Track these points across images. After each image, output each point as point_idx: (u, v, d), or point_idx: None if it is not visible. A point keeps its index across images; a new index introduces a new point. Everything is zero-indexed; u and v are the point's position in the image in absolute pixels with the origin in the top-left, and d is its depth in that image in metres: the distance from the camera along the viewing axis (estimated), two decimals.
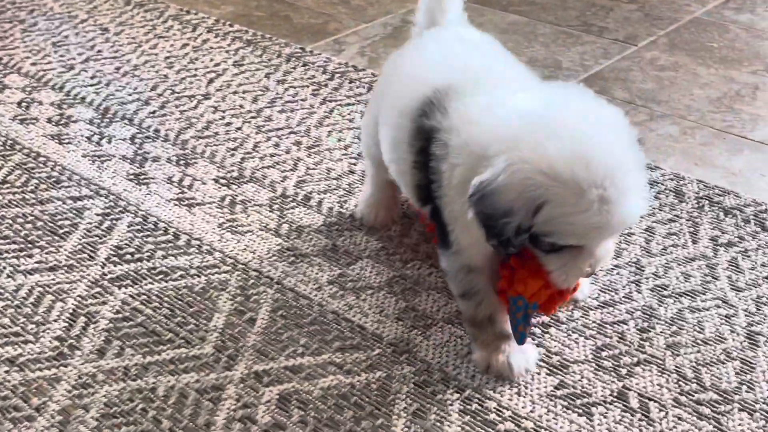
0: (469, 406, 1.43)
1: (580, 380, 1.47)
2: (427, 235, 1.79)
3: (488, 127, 1.30)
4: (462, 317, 1.53)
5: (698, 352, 1.52)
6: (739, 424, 1.38)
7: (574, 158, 1.20)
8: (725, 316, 1.60)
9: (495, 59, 1.52)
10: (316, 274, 1.72)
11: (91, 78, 2.48)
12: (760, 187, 1.98)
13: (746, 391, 1.44)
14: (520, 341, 1.45)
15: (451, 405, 1.43)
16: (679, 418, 1.40)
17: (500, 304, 1.47)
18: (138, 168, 2.06)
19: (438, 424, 1.40)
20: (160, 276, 1.71)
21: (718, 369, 1.48)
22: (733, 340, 1.54)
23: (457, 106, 1.37)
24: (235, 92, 2.39)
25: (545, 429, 1.39)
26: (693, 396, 1.43)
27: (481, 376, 1.48)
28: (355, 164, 2.06)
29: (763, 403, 1.42)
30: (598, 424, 1.39)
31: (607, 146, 1.23)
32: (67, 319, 1.60)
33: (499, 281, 1.45)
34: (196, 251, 1.78)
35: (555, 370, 1.49)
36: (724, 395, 1.44)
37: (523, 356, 1.48)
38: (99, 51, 2.63)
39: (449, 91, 1.40)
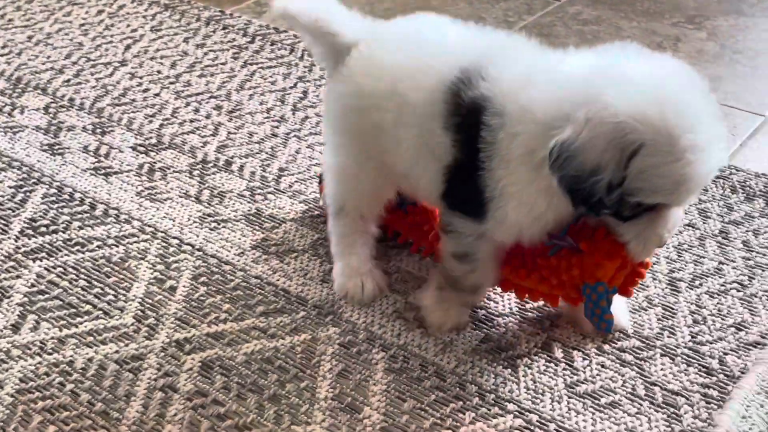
0: (394, 364, 1.42)
1: (504, 333, 1.47)
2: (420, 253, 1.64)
3: (553, 88, 1.20)
4: (443, 275, 1.45)
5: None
6: (661, 369, 1.40)
7: (663, 104, 1.13)
8: None
9: (494, 34, 1.40)
10: (239, 239, 1.69)
11: (2, 47, 2.38)
12: None
13: (668, 337, 1.46)
14: (608, 329, 1.40)
15: (376, 364, 1.42)
16: (603, 366, 1.40)
17: (494, 280, 1.44)
18: (52, 138, 1.99)
19: (363, 383, 1.39)
20: (77, 247, 1.66)
21: (640, 316, 1.50)
22: (655, 287, 1.56)
23: (502, 71, 1.27)
24: (152, 58, 2.33)
25: (470, 383, 1.38)
26: (616, 344, 1.44)
27: (407, 334, 1.47)
28: (277, 127, 2.02)
29: (684, 347, 1.44)
30: (523, 376, 1.40)
31: (690, 93, 1.17)
32: None
33: (565, 270, 1.36)
34: (114, 221, 1.73)
35: (480, 324, 1.49)
36: (646, 341, 1.45)
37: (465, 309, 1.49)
38: (10, 20, 2.54)
39: (481, 63, 1.29)
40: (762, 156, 1.92)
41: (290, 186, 1.83)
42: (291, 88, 2.18)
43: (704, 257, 1.62)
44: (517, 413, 1.33)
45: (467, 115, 1.28)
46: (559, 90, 1.20)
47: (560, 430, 1.31)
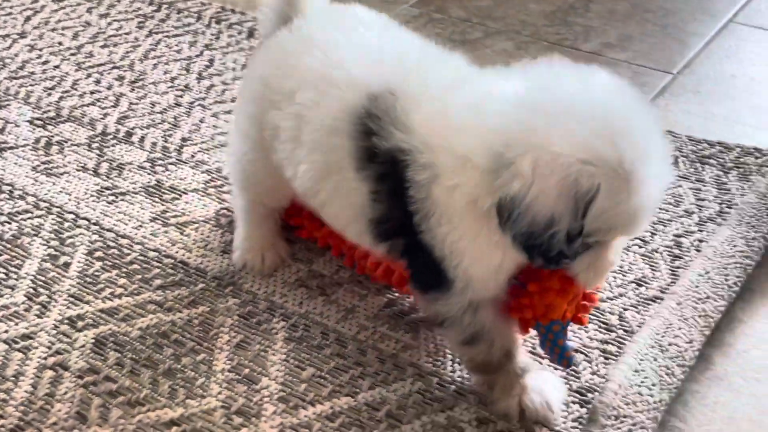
0: (295, 333, 1.39)
1: (407, 298, 1.45)
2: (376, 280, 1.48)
3: (487, 130, 1.08)
4: (468, 368, 1.29)
5: None
6: None
7: (614, 139, 1.02)
8: None
9: (417, 43, 1.28)
10: (138, 212, 1.64)
11: None
12: None
13: None
14: (569, 365, 1.24)
15: (276, 334, 1.39)
16: None
17: (515, 334, 1.26)
18: None
19: (262, 354, 1.36)
20: None
21: None
22: None
23: (415, 115, 1.14)
24: (54, 29, 2.25)
25: (371, 348, 1.36)
26: None
27: (309, 302, 1.45)
28: (181, 96, 1.97)
29: None
30: (424, 340, 1.38)
31: (636, 117, 1.07)
32: None
33: (516, 310, 1.24)
34: (7, 197, 1.67)
35: (383, 290, 1.47)
36: None
37: (545, 381, 1.25)
38: None
39: (392, 96, 1.16)
40: (670, 114, 1.92)
41: (192, 156, 1.78)
42: (197, 56, 2.13)
43: None
44: (417, 377, 1.32)
45: (387, 165, 1.16)
46: (494, 133, 1.07)
47: (460, 392, 1.29)
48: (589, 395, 1.27)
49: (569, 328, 1.24)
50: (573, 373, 1.31)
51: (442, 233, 1.13)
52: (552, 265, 1.11)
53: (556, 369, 1.30)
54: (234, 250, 1.52)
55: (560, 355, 1.22)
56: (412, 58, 1.23)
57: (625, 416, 1.16)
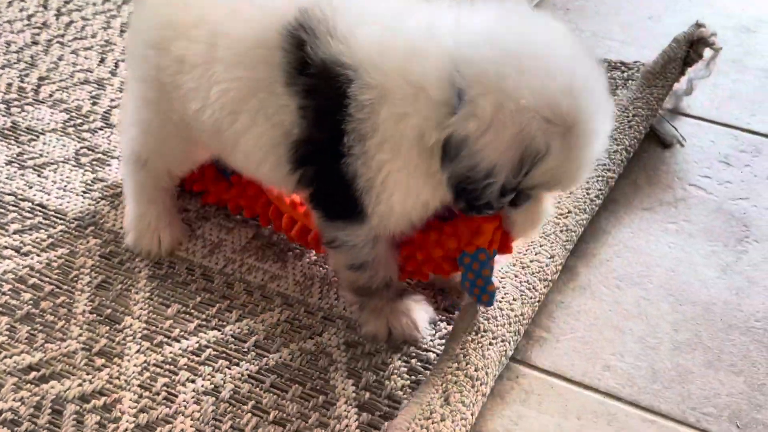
0: (159, 271, 1.36)
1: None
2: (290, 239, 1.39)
3: (449, 60, 1.01)
4: (345, 288, 1.26)
5: None
6: None
7: (577, 97, 1.00)
8: None
9: None
10: None
11: None
12: None
13: None
14: (490, 302, 1.17)
15: (139, 272, 1.36)
16: None
17: (396, 263, 1.22)
18: None
19: (125, 293, 1.32)
20: None
21: None
22: None
23: (357, 30, 1.07)
24: None
25: (239, 281, 1.34)
26: None
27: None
28: (38, 34, 1.88)
29: None
30: (292, 269, 1.36)
31: (594, 76, 1.04)
32: None
33: (436, 243, 1.18)
34: None
35: (251, 222, 1.44)
36: None
37: (414, 304, 1.25)
38: None
39: (329, 6, 1.09)
40: None
41: (51, 95, 1.70)
42: None
43: None
44: (285, 306, 1.30)
45: (321, 79, 1.08)
46: (451, 64, 1.01)
47: (328, 317, 1.29)
48: (456, 313, 1.28)
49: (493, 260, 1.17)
50: (440, 292, 1.31)
51: (379, 161, 1.07)
52: (473, 212, 1.07)
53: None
54: (126, 231, 1.39)
55: (483, 289, 1.16)
56: None
57: (485, 330, 1.17)
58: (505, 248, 1.19)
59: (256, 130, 1.16)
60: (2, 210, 1.45)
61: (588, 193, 1.41)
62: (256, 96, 1.14)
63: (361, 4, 1.12)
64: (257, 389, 1.19)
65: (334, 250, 1.21)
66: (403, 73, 1.04)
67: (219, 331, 1.27)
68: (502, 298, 1.22)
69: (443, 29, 1.05)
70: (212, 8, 1.17)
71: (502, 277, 1.25)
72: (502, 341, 1.18)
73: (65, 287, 1.33)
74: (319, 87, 1.08)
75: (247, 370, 1.22)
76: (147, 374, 1.21)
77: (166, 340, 1.25)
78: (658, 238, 1.43)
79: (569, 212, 1.37)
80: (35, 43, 1.85)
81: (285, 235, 1.38)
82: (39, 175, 1.52)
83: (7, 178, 1.51)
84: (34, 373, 1.21)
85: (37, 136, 1.61)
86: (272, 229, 1.41)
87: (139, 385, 1.19)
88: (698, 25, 1.66)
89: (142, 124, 1.32)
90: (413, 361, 1.22)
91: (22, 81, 1.74)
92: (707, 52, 1.65)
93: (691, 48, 1.64)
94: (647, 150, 1.59)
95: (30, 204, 1.46)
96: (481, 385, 1.13)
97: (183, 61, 1.19)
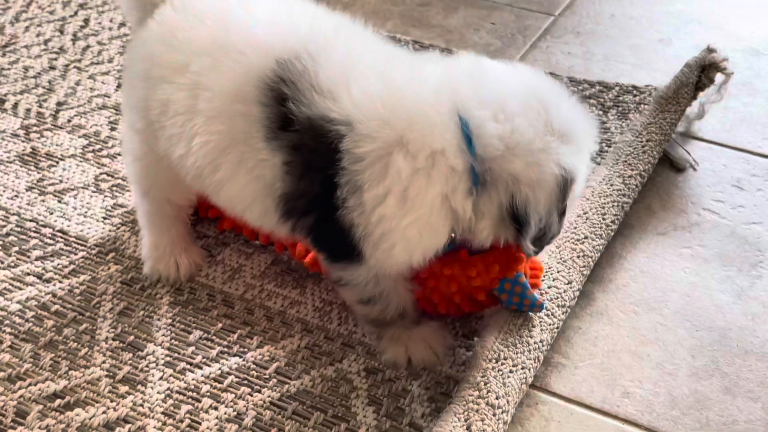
0: (180, 297, 1.37)
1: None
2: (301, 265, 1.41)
3: (458, 127, 1.07)
4: (361, 320, 1.30)
5: None
6: None
7: (583, 150, 1.14)
8: None
9: (317, 10, 1.22)
10: (13, 182, 1.58)
11: None
12: (474, 41, 2.00)
13: None
14: (542, 306, 1.23)
15: (161, 299, 1.37)
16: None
17: (410, 292, 1.25)
18: None
19: (147, 320, 1.34)
20: None
21: None
22: None
23: (357, 84, 1.08)
24: None
25: (258, 307, 1.35)
26: None
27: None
28: (55, 59, 1.90)
29: None
30: (311, 295, 1.38)
31: (575, 108, 1.16)
32: None
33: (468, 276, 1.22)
34: None
35: (269, 247, 1.45)
36: None
37: (431, 330, 1.27)
38: None
39: (310, 61, 1.10)
40: (552, 56, 1.94)
41: (69, 121, 1.72)
42: (71, 16, 2.05)
43: None
44: (305, 333, 1.32)
45: (307, 134, 1.08)
46: (471, 131, 1.07)
47: (348, 344, 1.30)
48: (475, 338, 1.29)
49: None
50: (459, 318, 1.33)
51: (380, 215, 1.08)
52: (542, 248, 1.17)
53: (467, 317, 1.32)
54: (144, 260, 1.40)
55: (532, 303, 1.22)
56: (324, 24, 1.18)
57: (505, 358, 1.18)
58: (535, 283, 1.26)
59: (237, 181, 1.16)
60: (24, 236, 1.47)
61: (604, 219, 1.42)
62: (236, 149, 1.14)
63: (342, 55, 1.13)
64: (279, 416, 1.20)
65: (341, 288, 1.24)
66: (417, 134, 1.06)
67: (240, 357, 1.28)
68: (522, 324, 1.23)
69: (443, 86, 1.09)
70: (197, 56, 1.17)
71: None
72: (522, 368, 1.19)
73: (88, 314, 1.34)
74: (305, 143, 1.09)
75: (269, 397, 1.23)
76: (170, 401, 1.22)
77: (188, 366, 1.27)
78: (673, 263, 1.45)
79: (586, 238, 1.38)
80: (53, 68, 1.87)
81: (300, 263, 1.40)
82: (59, 201, 1.54)
83: (28, 204, 1.53)
84: (59, 401, 1.22)
85: (57, 162, 1.62)
86: (290, 256, 1.43)
87: (162, 413, 1.21)
88: (709, 50, 1.68)
89: (134, 152, 1.33)
90: (434, 388, 1.23)
91: (40, 106, 1.76)
92: (719, 77, 1.67)
93: (703, 73, 1.66)
94: (660, 174, 1.60)
95: (51, 230, 1.48)
96: (502, 413, 1.14)
97: (167, 105, 1.20)
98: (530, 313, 1.25)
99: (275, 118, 1.10)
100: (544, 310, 1.26)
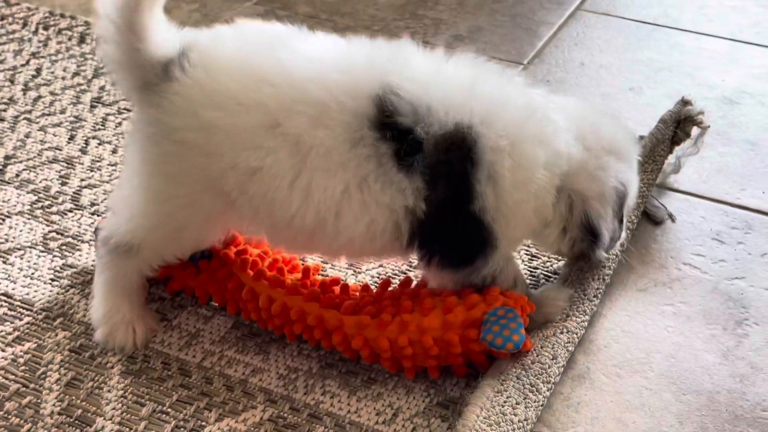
0: (132, 366, 1.28)
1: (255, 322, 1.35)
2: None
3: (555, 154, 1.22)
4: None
5: None
6: None
7: (631, 140, 1.35)
8: None
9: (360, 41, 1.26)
10: None
11: None
12: None
13: None
14: (518, 344, 1.19)
15: (112, 368, 1.27)
16: None
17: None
18: None
19: (97, 391, 1.24)
20: None
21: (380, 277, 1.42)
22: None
23: (471, 99, 1.17)
24: None
25: (219, 376, 1.26)
26: None
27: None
28: (5, 110, 1.80)
29: None
30: (275, 361, 1.29)
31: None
32: None
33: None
34: None
35: (232, 316, 1.36)
36: None
37: (551, 289, 1.37)
38: None
39: (399, 90, 1.15)
40: None
41: (17, 175, 1.63)
42: (22, 66, 1.96)
43: None
44: (268, 403, 1.23)
45: (442, 151, 1.16)
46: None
47: (315, 415, 1.21)
48: (452, 406, 1.21)
49: None
50: (434, 385, 1.24)
51: (516, 198, 1.19)
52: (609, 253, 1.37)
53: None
54: (96, 326, 1.30)
55: (519, 341, 1.19)
56: (379, 50, 1.22)
57: None
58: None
59: (365, 219, 1.18)
60: None
61: (586, 294, 1.35)
62: (364, 190, 1.17)
63: (425, 74, 1.19)
64: None
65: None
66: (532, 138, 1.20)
67: None
68: (505, 402, 1.15)
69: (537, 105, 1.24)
70: (286, 116, 1.14)
71: (503, 380, 1.18)
72: None
73: (32, 386, 1.24)
74: (440, 157, 1.16)
75: None
76: None
77: None
78: (656, 321, 1.38)
79: (568, 317, 1.31)
80: (1, 119, 1.78)
81: (258, 320, 1.32)
82: (4, 262, 1.44)
83: None
84: None
85: (3, 220, 1.53)
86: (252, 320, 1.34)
87: None
88: (684, 103, 1.63)
89: (144, 213, 1.23)
90: None
91: None
92: (695, 130, 1.62)
93: (678, 126, 1.60)
94: (638, 228, 1.54)
95: None
96: None
97: (256, 172, 1.16)
98: (512, 388, 1.17)
99: (406, 147, 1.15)
100: (529, 386, 1.19)
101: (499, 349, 1.19)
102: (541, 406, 1.20)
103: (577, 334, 1.29)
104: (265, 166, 1.16)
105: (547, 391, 1.21)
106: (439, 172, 1.17)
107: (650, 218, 1.57)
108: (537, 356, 1.23)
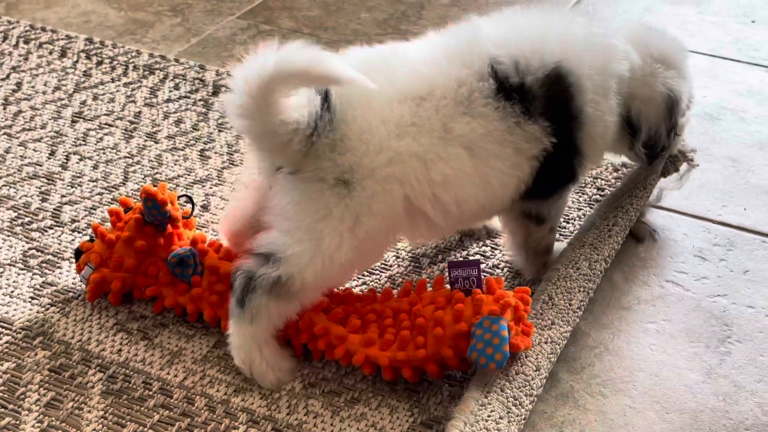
0: (113, 385, 1.26)
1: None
2: None
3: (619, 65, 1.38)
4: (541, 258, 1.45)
5: None
6: None
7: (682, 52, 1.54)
8: None
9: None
10: None
11: None
12: None
13: None
14: (502, 363, 1.17)
15: (92, 387, 1.26)
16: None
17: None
18: None
19: (77, 412, 1.22)
20: None
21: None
22: (398, 265, 1.48)
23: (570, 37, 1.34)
24: None
25: (200, 396, 1.25)
26: None
27: (128, 348, 1.32)
28: None
29: None
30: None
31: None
32: None
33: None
34: None
35: (213, 328, 1.35)
36: None
37: None
38: None
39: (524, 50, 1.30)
40: None
41: None
42: (2, 80, 1.95)
43: None
44: (251, 424, 1.21)
45: (552, 97, 1.29)
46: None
47: None
48: (435, 426, 1.20)
49: None
50: (418, 404, 1.24)
51: (604, 122, 1.34)
52: (654, 160, 1.52)
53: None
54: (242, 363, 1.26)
55: (497, 347, 1.17)
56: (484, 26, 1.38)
57: None
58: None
59: (503, 168, 1.29)
60: None
61: (570, 304, 1.35)
62: (506, 147, 1.28)
63: (512, 31, 1.33)
64: None
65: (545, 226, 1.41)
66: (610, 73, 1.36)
67: None
68: (489, 416, 1.15)
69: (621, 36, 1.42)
70: (450, 118, 1.25)
71: (487, 392, 1.18)
72: None
73: (11, 406, 1.23)
74: (552, 103, 1.29)
75: None
76: None
77: None
78: (639, 339, 1.38)
79: (553, 324, 1.31)
80: None
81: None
82: None
83: None
84: None
85: None
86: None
87: None
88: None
89: (342, 253, 1.21)
90: None
91: None
92: (683, 166, 1.62)
93: (669, 159, 1.60)
94: (621, 245, 1.54)
95: None
96: None
97: (447, 178, 1.26)
98: (496, 401, 1.16)
99: (524, 100, 1.27)
100: (512, 399, 1.18)
101: (484, 368, 1.18)
102: (524, 420, 1.20)
103: (559, 345, 1.29)
104: (453, 171, 1.24)
105: (530, 404, 1.21)
106: (554, 107, 1.29)
107: (633, 235, 1.57)
108: (521, 366, 1.22)
